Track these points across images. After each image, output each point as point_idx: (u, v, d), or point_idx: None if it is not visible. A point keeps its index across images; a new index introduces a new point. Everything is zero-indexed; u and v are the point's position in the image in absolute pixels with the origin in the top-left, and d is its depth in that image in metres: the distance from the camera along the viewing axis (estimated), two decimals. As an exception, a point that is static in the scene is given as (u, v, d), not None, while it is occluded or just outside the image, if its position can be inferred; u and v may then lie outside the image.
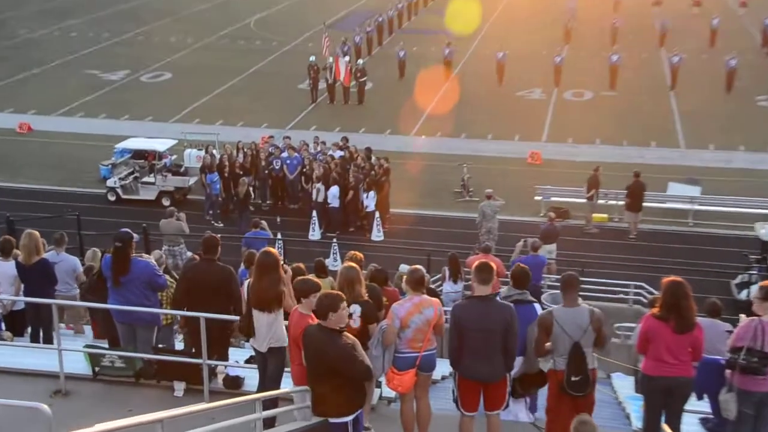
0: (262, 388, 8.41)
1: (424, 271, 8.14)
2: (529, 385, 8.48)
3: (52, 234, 12.30)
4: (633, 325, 13.85)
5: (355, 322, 7.80)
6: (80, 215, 18.59)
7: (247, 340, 12.45)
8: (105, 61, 40.46)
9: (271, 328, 8.11)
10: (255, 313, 8.15)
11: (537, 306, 8.41)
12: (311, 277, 8.36)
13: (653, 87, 35.88)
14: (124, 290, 9.47)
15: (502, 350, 7.64)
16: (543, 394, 8.67)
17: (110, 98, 34.84)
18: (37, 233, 11.07)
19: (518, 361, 8.16)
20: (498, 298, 8.22)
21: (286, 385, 8.20)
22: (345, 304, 7.04)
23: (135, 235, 9.68)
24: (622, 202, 22.86)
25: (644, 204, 22.40)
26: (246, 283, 8.35)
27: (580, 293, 8.12)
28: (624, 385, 12.02)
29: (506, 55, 36.55)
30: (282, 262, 8.24)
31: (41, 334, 11.20)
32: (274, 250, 8.35)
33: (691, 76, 35.82)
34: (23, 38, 45.17)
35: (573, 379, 7.79)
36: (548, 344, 7.92)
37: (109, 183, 24.66)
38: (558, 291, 8.57)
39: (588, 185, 22.57)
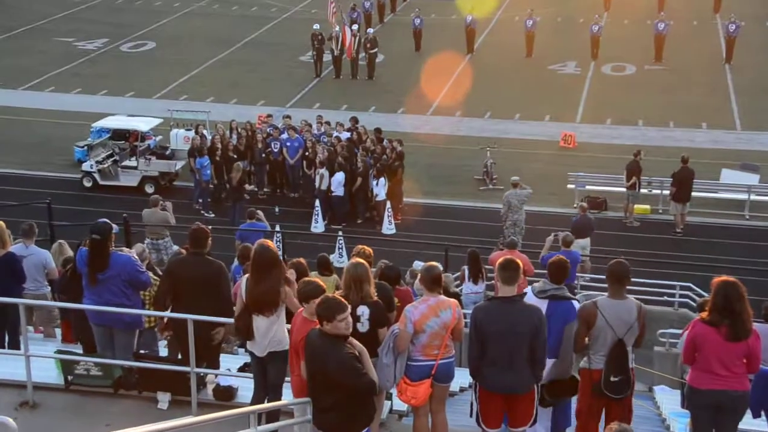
0: (257, 398, 8.44)
1: (441, 268, 8.15)
2: (560, 393, 8.49)
3: (19, 224, 12.33)
4: (678, 331, 13.84)
5: (363, 326, 7.82)
6: (51, 203, 18.65)
7: (242, 346, 12.60)
8: (79, 28, 40.58)
9: (271, 330, 8.14)
10: (254, 315, 8.18)
11: (576, 303, 8.40)
12: (314, 276, 8.35)
13: (705, 60, 35.71)
14: (102, 288, 9.48)
15: (529, 358, 7.64)
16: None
17: (86, 70, 34.97)
18: (2, 223, 11.10)
19: (548, 363, 8.15)
20: (532, 293, 8.24)
21: (286, 396, 8.23)
22: (346, 314, 7.02)
23: (114, 227, 9.68)
24: (667, 192, 22.79)
25: (693, 194, 22.33)
26: (243, 279, 8.36)
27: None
28: (668, 399, 12.03)
29: (536, 22, 36.42)
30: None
31: (6, 337, 11.27)
32: (272, 244, 8.36)
33: (749, 47, 35.62)
34: (-13, 2, 45.36)
35: (612, 379, 7.85)
36: (586, 339, 7.96)
37: (85, 167, 24.74)
38: (593, 292, 8.57)
39: (628, 172, 22.49)
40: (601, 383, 7.90)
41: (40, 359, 9.70)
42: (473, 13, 36.61)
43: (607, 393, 7.88)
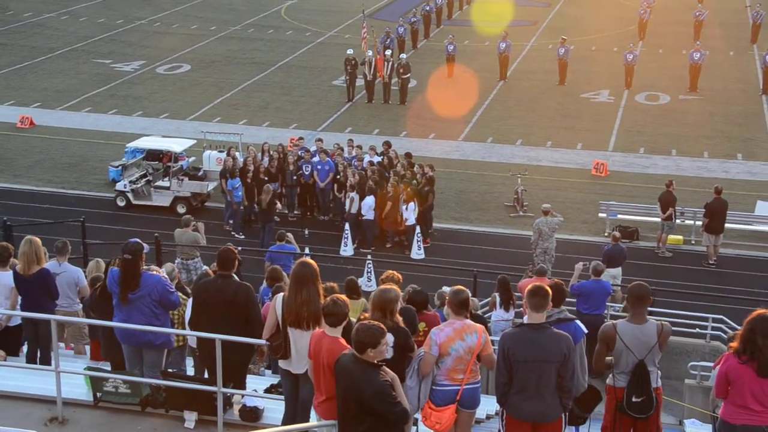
0: (290, 416, 8.43)
1: (469, 293, 8.14)
2: (587, 403, 8.46)
3: (53, 242, 12.50)
4: (710, 364, 13.69)
5: (388, 353, 7.82)
6: (85, 221, 18.89)
7: (269, 367, 12.62)
8: (117, 50, 41.20)
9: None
10: (291, 331, 8.20)
11: (579, 322, 8.46)
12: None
13: (741, 90, 35.51)
14: (132, 308, 9.58)
15: (558, 386, 7.61)
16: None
17: (122, 91, 35.44)
18: (38, 240, 11.26)
19: None
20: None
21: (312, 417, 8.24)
22: (387, 337, 7.03)
23: (146, 246, 9.78)
24: (699, 223, 22.60)
25: (726, 225, 22.12)
26: (279, 297, 8.40)
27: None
28: (699, 433, 11.86)
29: (569, 51, 36.45)
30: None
31: (38, 353, 11.39)
32: (313, 261, 8.40)
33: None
34: (27, 22, 46.17)
35: (635, 399, 7.86)
36: (609, 358, 7.95)
37: (119, 186, 25.02)
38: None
39: (662, 203, 22.32)
40: (624, 402, 7.92)
41: (69, 375, 9.76)
42: (507, 40, 36.67)
43: (629, 412, 7.89)
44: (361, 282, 18.99)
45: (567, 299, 14.37)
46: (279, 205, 22.81)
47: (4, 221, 18.57)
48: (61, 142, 30.22)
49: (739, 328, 13.76)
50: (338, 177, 23.66)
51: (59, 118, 32.56)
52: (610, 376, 8.16)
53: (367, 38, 34.53)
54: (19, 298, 11.42)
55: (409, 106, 33.59)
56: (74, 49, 41.43)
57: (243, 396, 9.57)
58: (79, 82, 36.48)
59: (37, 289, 11.10)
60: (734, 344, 7.80)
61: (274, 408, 9.31)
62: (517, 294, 15.78)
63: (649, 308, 8.60)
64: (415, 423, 8.93)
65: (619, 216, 23.93)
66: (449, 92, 34.52)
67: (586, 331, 8.65)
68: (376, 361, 7.00)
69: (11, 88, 35.67)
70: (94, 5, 49.99)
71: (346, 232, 22.53)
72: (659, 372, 8.08)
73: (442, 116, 32.06)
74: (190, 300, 10.34)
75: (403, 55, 35.58)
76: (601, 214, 24.15)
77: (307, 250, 20.21)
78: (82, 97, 34.63)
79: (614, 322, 8.22)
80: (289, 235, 18.40)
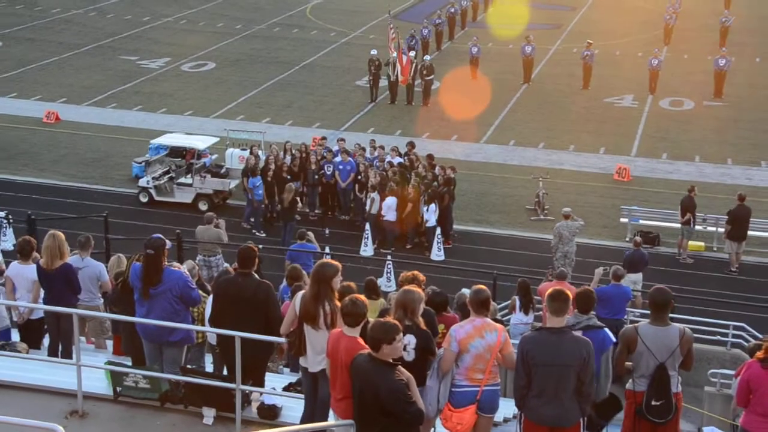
0: (308, 414, 8.44)
1: (490, 293, 8.12)
2: (606, 411, 8.42)
3: (76, 236, 12.58)
4: (730, 371, 13.58)
5: (409, 355, 7.80)
6: (108, 217, 19.00)
7: (287, 365, 12.65)
8: (143, 47, 41.42)
9: (323, 345, 8.15)
10: (306, 328, 8.21)
11: (608, 331, 8.39)
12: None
13: (767, 97, 35.15)
14: (153, 303, 9.62)
15: (577, 391, 7.57)
16: None
17: (147, 88, 35.65)
18: (62, 235, 11.34)
19: None
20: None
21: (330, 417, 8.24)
22: (402, 335, 7.04)
23: (168, 242, 9.83)
24: (722, 229, 22.43)
25: (749, 232, 21.94)
26: (299, 296, 8.42)
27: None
28: (718, 441, 11.74)
29: (594, 55, 36.27)
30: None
31: (59, 347, 11.47)
32: (336, 263, 8.41)
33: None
34: (54, 18, 46.51)
35: (654, 403, 7.82)
36: (629, 363, 7.90)
37: (142, 182, 25.16)
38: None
39: (682, 208, 22.19)
40: (643, 406, 7.86)
41: (90, 369, 9.84)
42: (531, 43, 36.54)
43: (648, 416, 7.83)
44: (381, 282, 19.00)
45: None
46: (300, 204, 22.81)
47: (29, 215, 18.72)
48: (86, 138, 30.42)
49: (760, 336, 13.65)
50: (359, 177, 23.68)
51: (85, 113, 32.78)
52: (630, 380, 8.09)
53: (395, 38, 34.45)
54: (42, 291, 11.51)
55: (432, 107, 33.55)
56: (101, 45, 41.69)
57: (261, 394, 9.60)
58: (105, 78, 36.72)
59: (60, 284, 11.18)
60: (761, 354, 7.74)
61: (293, 406, 9.33)
62: (536, 297, 15.72)
63: (670, 315, 8.51)
64: (435, 425, 8.93)
65: (641, 221, 23.80)
66: (472, 94, 34.41)
67: (614, 339, 8.55)
68: (391, 360, 6.98)
69: (38, 83, 35.94)
70: (121, 2, 50.27)
71: (367, 232, 22.53)
72: (680, 377, 8.02)
73: (465, 118, 31.98)
74: (211, 297, 10.37)
75: (427, 57, 35.51)
76: (622, 219, 24.02)
77: (327, 250, 20.23)
78: (107, 93, 34.86)
79: (636, 324, 8.17)
80: (310, 234, 18.42)
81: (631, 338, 7.97)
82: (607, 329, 8.44)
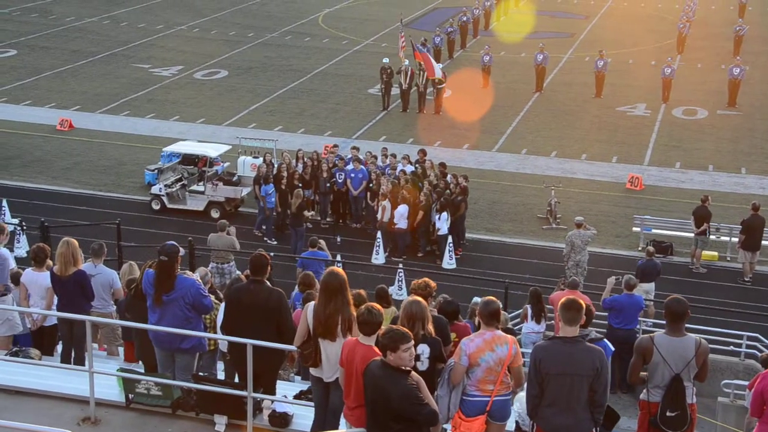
0: (319, 424, 8.45)
1: (500, 304, 8.12)
2: (604, 422, 8.42)
3: (89, 243, 12.64)
4: (743, 382, 13.52)
5: (423, 365, 7.80)
6: (121, 224, 19.07)
7: (298, 373, 12.66)
8: (156, 55, 41.61)
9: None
10: (321, 340, 8.23)
11: (607, 341, 8.41)
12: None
13: (782, 106, 35.09)
14: (166, 310, 9.66)
15: (589, 401, 7.56)
16: None
17: (160, 96, 35.80)
18: (75, 242, 11.39)
19: None
20: None
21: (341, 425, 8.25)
22: (409, 344, 7.05)
23: (181, 249, 9.87)
24: (735, 239, 22.34)
25: (763, 242, 21.85)
26: (310, 306, 8.43)
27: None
28: (731, 452, 11.70)
29: (607, 63, 36.24)
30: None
31: (72, 353, 11.52)
32: (341, 270, 8.43)
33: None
34: (68, 27, 46.77)
35: (669, 414, 7.78)
36: (643, 373, 7.88)
37: (154, 190, 25.25)
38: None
39: (697, 218, 22.11)
40: (657, 417, 7.83)
41: (103, 376, 9.87)
42: (544, 51, 36.53)
43: (663, 427, 7.80)
44: (392, 290, 19.00)
45: (598, 313, 14.35)
46: (307, 213, 22.76)
47: (42, 222, 18.81)
48: (99, 145, 30.56)
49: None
50: (371, 185, 23.71)
51: (98, 121, 32.93)
52: (644, 391, 8.06)
53: (405, 47, 34.51)
54: (55, 298, 11.57)
55: (444, 116, 33.57)
56: (114, 53, 41.91)
57: (273, 401, 9.62)
58: (118, 86, 36.89)
59: (73, 290, 11.23)
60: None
61: (304, 414, 9.34)
62: (548, 307, 15.70)
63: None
64: (444, 433, 8.94)
65: (654, 230, 23.73)
66: (484, 103, 34.43)
67: (613, 349, 8.59)
68: (403, 368, 6.99)
69: (52, 91, 36.15)
70: (135, 10, 50.55)
71: (378, 240, 22.55)
72: (694, 388, 7.98)
73: (477, 127, 32.00)
74: (223, 304, 10.40)
75: (440, 65, 35.56)
76: (635, 228, 23.96)
77: (338, 258, 20.25)
78: (120, 101, 35.02)
79: (651, 334, 8.14)
80: (322, 241, 18.45)
81: (647, 348, 7.94)
82: (606, 340, 8.44)
